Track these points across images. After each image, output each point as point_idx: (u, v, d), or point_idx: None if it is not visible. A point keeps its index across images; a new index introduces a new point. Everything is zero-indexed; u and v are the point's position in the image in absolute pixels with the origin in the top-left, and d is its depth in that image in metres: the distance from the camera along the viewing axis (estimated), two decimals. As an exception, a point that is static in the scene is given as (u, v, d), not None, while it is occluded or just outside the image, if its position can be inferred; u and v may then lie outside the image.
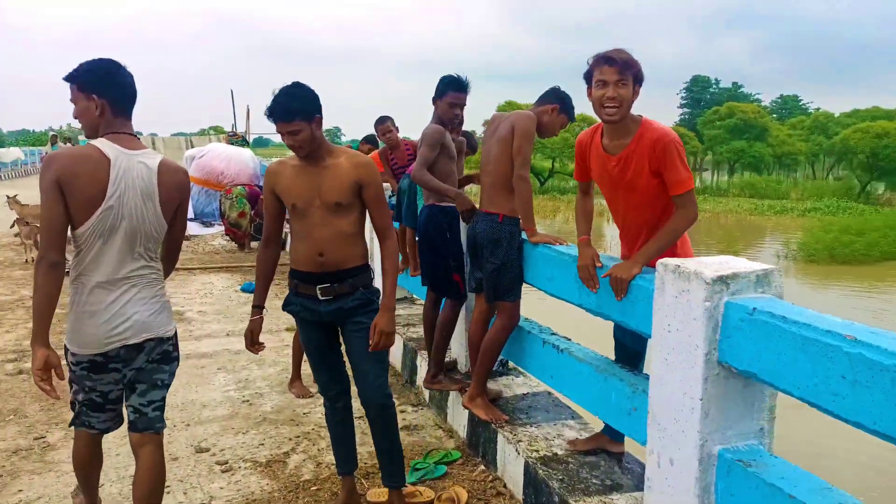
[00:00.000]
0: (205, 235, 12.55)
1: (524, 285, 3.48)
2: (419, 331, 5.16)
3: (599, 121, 2.75)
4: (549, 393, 3.79)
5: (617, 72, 2.57)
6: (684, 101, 72.63)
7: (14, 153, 36.28)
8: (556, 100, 3.46)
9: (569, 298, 3.03)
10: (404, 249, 5.37)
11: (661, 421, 2.32)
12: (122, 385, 2.49)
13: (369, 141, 7.57)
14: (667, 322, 2.26)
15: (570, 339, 3.34)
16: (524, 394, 3.82)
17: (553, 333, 3.44)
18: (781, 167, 48.65)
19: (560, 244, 3.24)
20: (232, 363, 5.28)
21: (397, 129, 5.88)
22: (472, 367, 3.78)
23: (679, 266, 2.20)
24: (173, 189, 2.48)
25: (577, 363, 3.03)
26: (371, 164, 2.88)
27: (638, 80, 2.63)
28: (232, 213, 11.18)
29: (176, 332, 2.61)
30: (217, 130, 21.55)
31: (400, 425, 4.01)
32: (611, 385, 2.79)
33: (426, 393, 4.42)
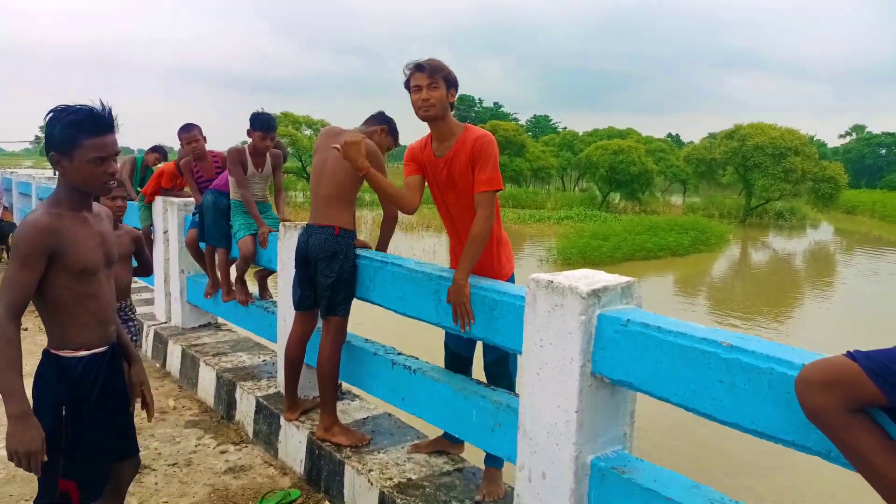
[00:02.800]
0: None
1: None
2: (232, 360, 4.74)
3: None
4: (390, 414, 3.68)
5: (427, 76, 2.79)
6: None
7: None
8: (383, 122, 3.56)
9: (425, 318, 2.95)
10: (212, 270, 4.90)
11: (534, 436, 2.35)
12: None
13: (156, 150, 6.84)
14: (539, 337, 2.29)
15: (417, 358, 3.27)
16: (364, 418, 3.66)
17: (400, 353, 3.34)
18: (537, 180, 53.43)
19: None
20: None
21: (205, 138, 5.35)
22: (286, 386, 3.66)
23: (552, 281, 2.24)
24: None
25: (433, 383, 2.97)
26: None
27: (449, 82, 2.83)
28: None
29: None
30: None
31: (223, 468, 3.66)
32: (472, 403, 2.77)
33: (249, 428, 4.05)
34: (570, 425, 2.20)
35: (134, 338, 3.55)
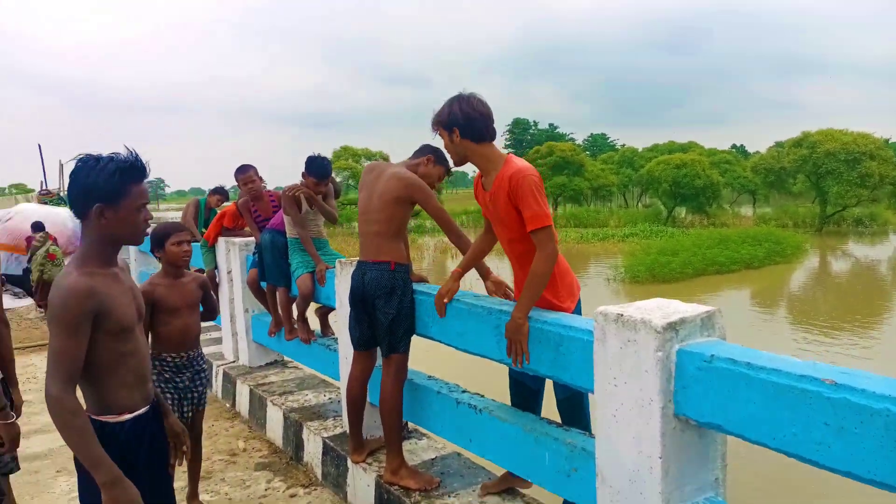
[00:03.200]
0: (18, 308, 10.94)
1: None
2: (298, 398, 4.71)
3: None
4: (459, 454, 3.54)
5: (438, 132, 2.89)
6: (508, 143, 76.89)
7: None
8: (430, 151, 3.50)
9: (486, 354, 2.82)
10: (274, 309, 4.91)
11: (614, 483, 2.17)
12: None
13: (218, 192, 6.98)
14: (611, 376, 2.13)
15: (483, 396, 3.14)
16: (432, 458, 3.54)
17: (464, 391, 3.21)
18: (598, 198, 52.69)
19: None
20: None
21: (261, 178, 5.41)
22: (350, 427, 3.58)
23: (622, 315, 2.08)
24: None
25: (500, 424, 2.82)
26: None
27: (447, 126, 2.80)
28: (35, 274, 9.93)
29: None
30: (20, 189, 18.95)
31: (293, 513, 3.58)
32: (544, 446, 2.61)
33: (317, 470, 3.98)
34: (655, 472, 2.02)
35: (205, 388, 3.52)
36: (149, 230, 2.23)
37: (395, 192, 3.25)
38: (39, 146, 24.29)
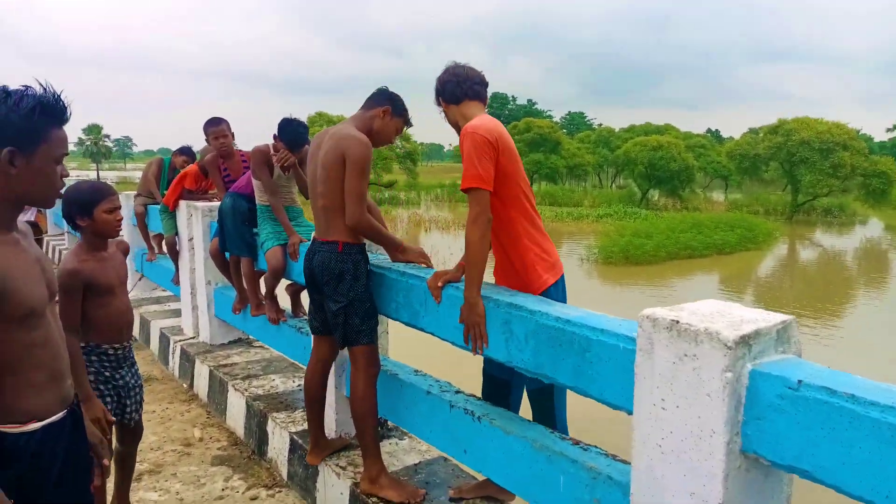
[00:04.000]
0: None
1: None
2: (264, 384, 4.24)
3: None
4: (446, 459, 3.12)
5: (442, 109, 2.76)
6: (485, 115, 75.87)
7: None
8: (387, 101, 2.99)
9: (492, 354, 2.39)
10: (238, 283, 4.41)
11: (653, 525, 1.77)
12: None
13: (184, 152, 6.39)
14: (659, 397, 1.71)
15: (480, 399, 2.72)
16: (416, 464, 3.11)
17: (459, 392, 2.78)
18: (573, 177, 52.43)
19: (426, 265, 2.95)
20: None
21: (233, 134, 4.85)
22: (309, 423, 3.17)
23: (678, 322, 1.66)
24: None
25: (503, 436, 2.40)
26: None
27: (437, 99, 2.73)
28: None
29: None
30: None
31: (254, 519, 3.15)
32: (557, 468, 2.19)
33: (283, 469, 3.53)
34: (709, 518, 1.62)
35: (137, 394, 2.93)
36: (62, 190, 1.75)
37: (335, 157, 2.81)
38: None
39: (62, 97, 1.54)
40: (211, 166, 4.87)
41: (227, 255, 4.44)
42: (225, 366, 4.60)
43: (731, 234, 25.24)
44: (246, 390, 4.10)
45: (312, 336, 3.14)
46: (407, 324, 2.85)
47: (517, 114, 65.44)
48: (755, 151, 38.08)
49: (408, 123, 3.07)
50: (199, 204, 5.08)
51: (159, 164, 6.60)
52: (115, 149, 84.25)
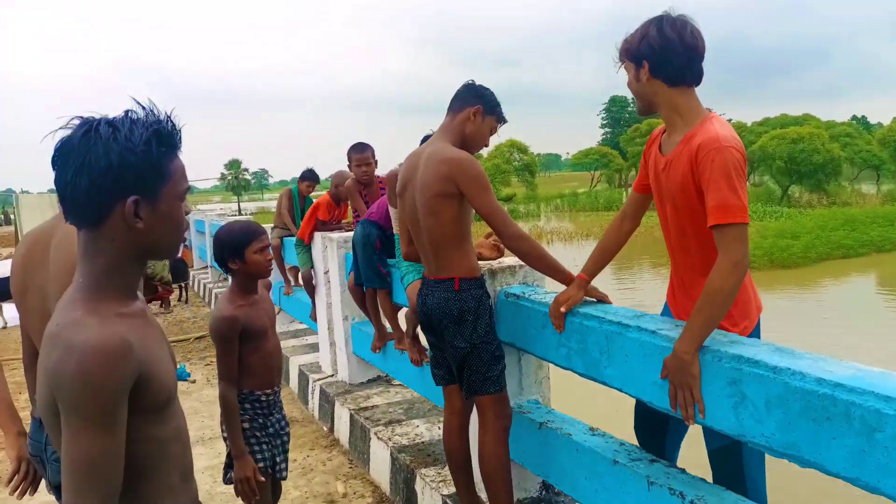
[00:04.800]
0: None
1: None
2: (408, 431, 3.87)
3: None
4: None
5: (623, 65, 2.18)
6: (605, 122, 73.88)
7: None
8: (476, 99, 2.63)
9: (714, 424, 1.84)
10: (376, 317, 4.09)
11: None
12: None
13: (307, 177, 6.29)
14: None
15: (686, 474, 2.16)
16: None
17: (654, 460, 2.23)
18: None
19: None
20: None
21: (376, 162, 4.60)
22: (456, 486, 2.82)
23: None
24: None
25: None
26: None
27: (637, 57, 2.10)
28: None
29: None
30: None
31: None
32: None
33: (439, 537, 3.13)
34: None
35: (286, 443, 2.78)
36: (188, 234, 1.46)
37: (440, 184, 2.47)
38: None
39: (170, 117, 1.20)
40: (353, 193, 4.61)
41: (364, 287, 4.14)
42: (365, 409, 4.29)
43: (891, 230, 22.78)
44: (389, 439, 3.74)
45: (442, 388, 2.79)
46: (583, 375, 2.35)
47: (638, 117, 63.21)
48: (913, 136, 34.27)
49: (502, 120, 2.72)
50: (335, 235, 4.85)
51: (289, 195, 6.54)
52: (252, 181, 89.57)
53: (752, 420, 1.71)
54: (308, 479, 3.95)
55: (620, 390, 2.20)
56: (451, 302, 2.53)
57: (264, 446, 2.58)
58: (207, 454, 4.42)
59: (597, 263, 2.46)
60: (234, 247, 2.51)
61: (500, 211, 2.46)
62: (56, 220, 1.87)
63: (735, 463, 2.19)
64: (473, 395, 2.58)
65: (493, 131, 2.70)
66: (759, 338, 2.19)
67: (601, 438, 2.46)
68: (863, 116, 75.26)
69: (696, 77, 2.10)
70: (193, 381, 6.13)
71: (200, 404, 5.49)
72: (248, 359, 2.53)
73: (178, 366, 6.49)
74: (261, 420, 2.59)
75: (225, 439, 2.54)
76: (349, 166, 4.60)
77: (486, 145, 2.76)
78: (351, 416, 4.25)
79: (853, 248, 20.60)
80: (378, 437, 3.81)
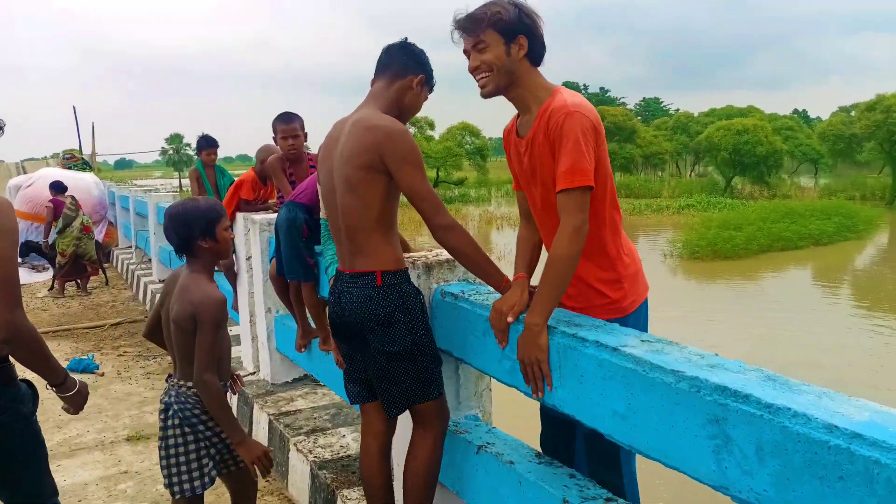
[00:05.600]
0: (33, 284, 9.99)
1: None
2: (332, 441, 3.45)
3: None
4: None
5: (469, 36, 2.04)
6: (554, 106, 74.02)
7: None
8: (417, 66, 2.31)
9: (688, 471, 1.48)
10: (300, 312, 3.64)
11: None
12: None
13: (202, 147, 5.84)
14: None
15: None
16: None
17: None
18: (649, 167, 50.29)
19: None
20: None
21: (306, 134, 4.10)
22: None
23: None
24: None
25: None
26: None
27: (507, 31, 1.99)
28: (69, 247, 8.83)
29: None
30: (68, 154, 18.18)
31: None
32: None
33: (359, 568, 2.72)
34: None
35: None
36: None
37: (365, 157, 2.12)
38: (74, 108, 23.58)
39: None
40: (275, 170, 4.09)
41: (286, 278, 3.67)
42: (287, 413, 3.84)
43: (829, 223, 23.44)
44: (310, 452, 3.31)
45: (359, 407, 2.40)
46: (528, 395, 1.98)
47: (482, 97, 63.33)
48: (851, 131, 35.31)
49: (431, 89, 2.40)
50: (258, 217, 4.34)
51: (196, 176, 6.01)
52: (195, 157, 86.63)
53: (739, 471, 1.36)
54: (217, 495, 3.48)
55: (572, 417, 1.83)
56: (374, 300, 2.15)
57: (216, 444, 2.43)
58: (104, 462, 3.90)
59: (530, 261, 2.25)
60: (204, 224, 2.35)
61: (432, 195, 2.12)
62: None
63: (612, 447, 1.94)
64: (411, 406, 2.23)
65: (425, 99, 2.39)
66: (646, 318, 2.22)
67: (548, 468, 2.08)
68: (804, 110, 77.45)
69: (540, 59, 2.10)
70: (102, 374, 5.55)
71: (106, 402, 4.94)
72: (218, 347, 2.37)
73: (87, 356, 5.89)
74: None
75: (203, 439, 2.38)
76: (274, 139, 4.10)
77: (418, 111, 2.43)
78: (270, 422, 3.80)
79: (792, 241, 21.10)
80: (298, 449, 3.38)
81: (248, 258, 4.46)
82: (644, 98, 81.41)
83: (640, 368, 1.58)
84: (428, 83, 2.35)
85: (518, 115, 2.19)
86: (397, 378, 2.19)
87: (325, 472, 3.09)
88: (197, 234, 2.34)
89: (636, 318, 2.16)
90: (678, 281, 16.78)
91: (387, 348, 2.17)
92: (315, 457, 3.25)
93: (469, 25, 2.01)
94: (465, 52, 2.08)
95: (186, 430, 2.36)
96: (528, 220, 2.33)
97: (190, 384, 2.34)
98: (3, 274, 1.90)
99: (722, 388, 1.39)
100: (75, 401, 2.23)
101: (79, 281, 9.17)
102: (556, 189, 1.93)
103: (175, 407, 2.36)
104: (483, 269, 2.12)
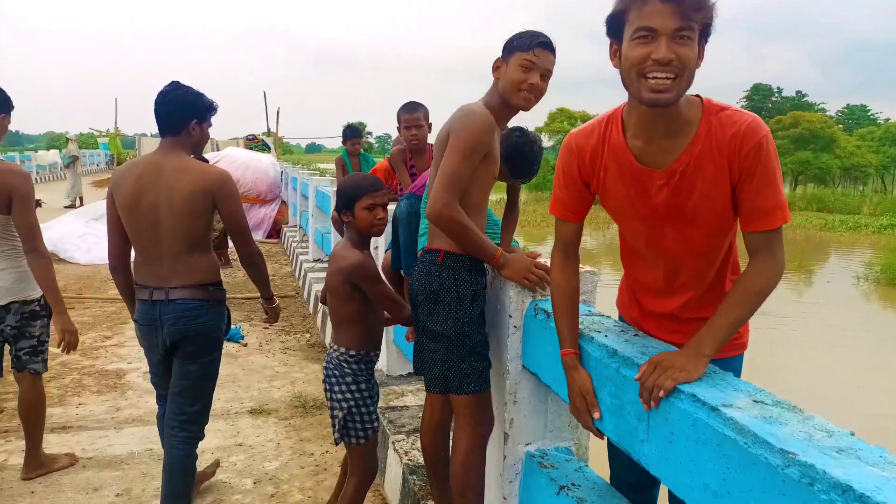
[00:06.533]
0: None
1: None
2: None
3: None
4: None
5: (677, 14, 1.47)
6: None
7: (51, 156, 35.66)
8: (503, 51, 2.23)
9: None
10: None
11: None
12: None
13: (347, 136, 5.90)
14: None
15: None
16: None
17: None
18: (849, 180, 45.22)
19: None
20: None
21: (430, 125, 4.01)
22: (433, 495, 2.52)
23: None
24: None
25: None
26: None
27: (705, 30, 1.55)
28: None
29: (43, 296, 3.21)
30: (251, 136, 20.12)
31: None
32: None
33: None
34: None
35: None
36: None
37: (441, 140, 2.30)
38: (265, 94, 25.63)
39: None
40: (396, 161, 4.03)
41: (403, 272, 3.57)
42: (394, 408, 3.75)
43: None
44: (406, 453, 3.18)
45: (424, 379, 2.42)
46: (615, 442, 1.68)
47: (781, 107, 57.91)
48: None
49: (528, 48, 2.14)
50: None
51: (341, 165, 6.13)
52: (376, 146, 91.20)
53: None
54: (317, 482, 3.48)
55: (657, 477, 1.51)
56: (430, 276, 2.25)
57: (372, 408, 2.53)
58: (224, 432, 4.06)
59: (575, 327, 1.85)
60: (345, 199, 2.47)
61: (449, 177, 2.14)
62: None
63: None
64: (449, 392, 2.24)
65: (525, 69, 2.22)
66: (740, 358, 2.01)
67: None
68: None
69: None
70: (245, 345, 5.86)
71: (242, 371, 5.18)
72: (368, 315, 2.50)
73: (236, 325, 6.25)
74: (372, 381, 2.56)
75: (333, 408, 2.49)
76: (398, 128, 4.01)
77: (521, 90, 2.22)
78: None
79: None
80: (395, 449, 3.27)
81: (375, 247, 4.43)
82: (848, 104, 73.17)
83: (740, 439, 1.23)
84: (508, 54, 2.22)
85: (623, 132, 1.71)
86: (434, 358, 2.24)
87: (415, 477, 2.94)
88: (340, 207, 2.48)
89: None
90: (872, 308, 14.81)
91: (429, 325, 2.24)
92: (409, 459, 3.11)
93: (689, 2, 1.47)
94: (639, 28, 1.50)
95: (336, 389, 2.47)
96: (568, 258, 1.90)
97: (343, 349, 2.47)
98: (243, 223, 2.74)
99: (845, 488, 1.03)
100: (276, 311, 3.03)
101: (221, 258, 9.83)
102: (758, 226, 1.64)
103: (330, 368, 2.50)
104: (470, 242, 2.18)
